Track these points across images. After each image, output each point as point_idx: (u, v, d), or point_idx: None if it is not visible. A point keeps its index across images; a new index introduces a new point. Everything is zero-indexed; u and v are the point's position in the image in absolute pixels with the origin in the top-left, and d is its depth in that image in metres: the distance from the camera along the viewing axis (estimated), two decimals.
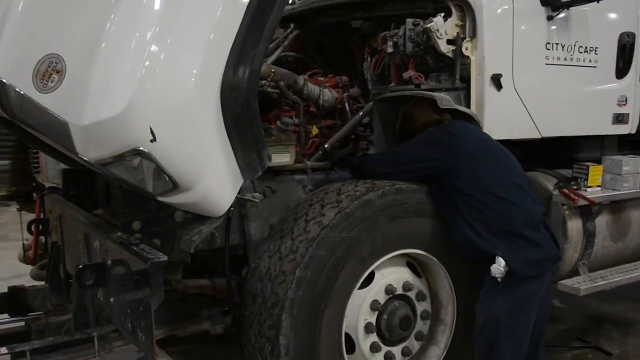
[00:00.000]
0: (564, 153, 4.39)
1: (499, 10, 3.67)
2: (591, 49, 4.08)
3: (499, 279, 3.02)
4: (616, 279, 4.06)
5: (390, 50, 3.86)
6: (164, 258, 2.66)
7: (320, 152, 3.84)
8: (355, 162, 3.44)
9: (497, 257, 3.02)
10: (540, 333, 3.27)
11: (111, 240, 3.00)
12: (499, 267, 3.00)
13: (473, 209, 3.08)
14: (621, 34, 4.20)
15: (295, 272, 2.87)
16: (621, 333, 4.92)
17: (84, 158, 2.91)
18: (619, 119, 4.30)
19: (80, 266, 3.09)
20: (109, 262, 3.04)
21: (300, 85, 3.72)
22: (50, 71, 2.79)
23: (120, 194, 3.23)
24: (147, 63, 2.57)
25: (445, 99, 3.36)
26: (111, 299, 3.05)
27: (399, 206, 3.12)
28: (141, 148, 2.63)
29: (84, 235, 3.41)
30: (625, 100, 4.31)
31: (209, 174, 2.69)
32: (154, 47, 2.58)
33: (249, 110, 2.63)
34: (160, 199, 3.00)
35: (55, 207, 3.95)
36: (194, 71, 2.59)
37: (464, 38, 3.65)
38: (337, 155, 4.00)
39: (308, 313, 2.90)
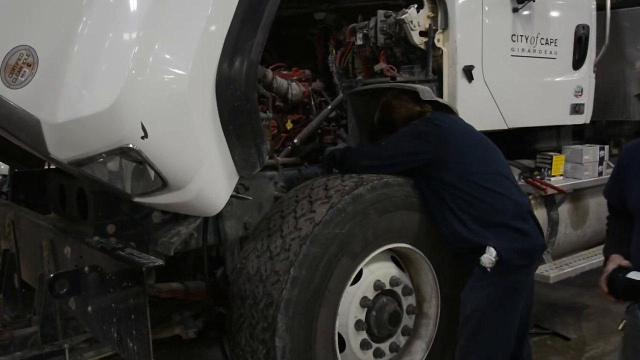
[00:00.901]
0: (522, 143, 4.48)
1: (470, 2, 3.69)
2: (551, 40, 4.17)
3: (489, 269, 3.02)
4: (581, 265, 4.18)
5: (359, 42, 3.80)
6: (160, 262, 2.49)
7: (289, 147, 3.75)
8: (338, 155, 3.36)
9: (487, 247, 3.00)
10: (525, 322, 3.29)
11: (89, 246, 2.80)
12: (489, 257, 2.97)
13: (461, 201, 3.06)
14: (577, 26, 4.32)
15: (289, 271, 2.77)
16: (575, 318, 5.08)
17: (56, 158, 2.70)
18: (576, 109, 4.42)
19: (52, 274, 2.87)
20: (86, 268, 2.84)
21: (270, 78, 3.60)
22: (20, 64, 2.58)
23: (92, 196, 3.03)
24: (137, 54, 2.40)
25: (426, 91, 3.33)
26: (89, 308, 2.85)
27: (388, 200, 3.07)
28: (131, 145, 2.45)
29: (49, 241, 3.18)
30: (581, 91, 4.44)
31: (204, 171, 2.55)
32: (144, 37, 2.41)
33: (247, 103, 2.50)
34: (138, 199, 2.83)
35: (6, 213, 3.67)
36: (188, 62, 2.44)
37: (436, 30, 3.64)
38: (305, 151, 3.91)
39: (304, 313, 2.80)
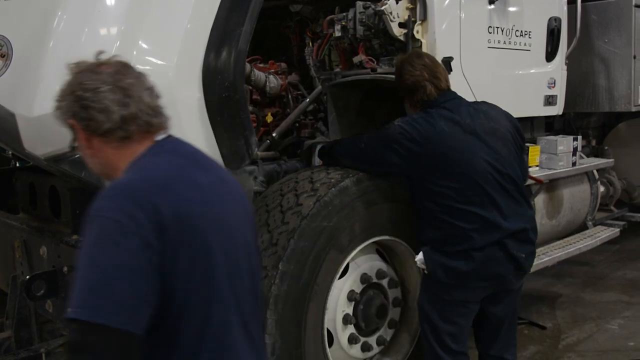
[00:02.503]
0: None
1: None
2: (526, 32, 4.18)
3: (426, 272, 2.90)
4: (557, 255, 4.22)
5: (338, 34, 3.75)
6: None
7: (268, 141, 3.67)
8: (326, 148, 3.29)
9: (421, 250, 2.90)
10: (504, 330, 3.08)
11: (68, 245, 2.70)
12: (417, 260, 2.90)
13: (437, 197, 2.85)
14: (550, 19, 4.35)
15: (278, 267, 2.71)
16: (549, 307, 5.14)
17: (32, 154, 2.59)
18: (549, 100, 4.46)
19: (29, 276, 2.77)
20: (65, 268, 2.74)
21: (248, 71, 3.52)
22: None
23: (69, 193, 2.91)
24: (119, 44, 2.31)
25: None
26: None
27: (374, 192, 3.04)
28: None
29: (22, 242, 3.06)
30: (554, 83, 4.47)
31: None
32: (127, 27, 2.33)
33: (236, 94, 2.43)
34: None
35: None
36: (174, 53, 2.37)
37: (415, 21, 3.61)
38: (283, 144, 3.85)
39: (293, 309, 2.75)
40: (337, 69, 3.91)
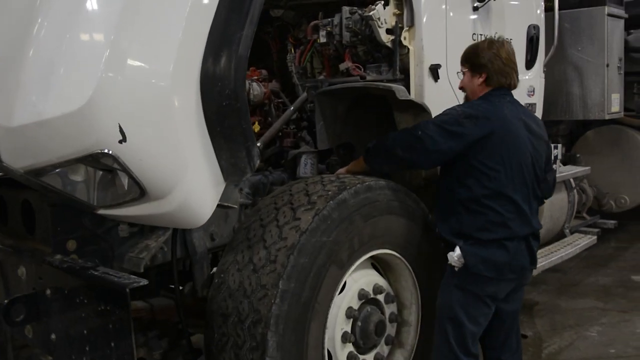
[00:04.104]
0: None
1: None
2: (507, 40, 4.15)
3: (456, 269, 2.93)
4: (542, 263, 4.21)
5: (323, 40, 3.64)
6: (144, 282, 2.23)
7: None
8: (371, 146, 3.19)
9: (456, 246, 2.92)
10: (508, 333, 3.20)
11: (52, 266, 2.49)
12: (454, 256, 2.91)
13: (485, 179, 2.90)
14: (529, 27, 4.34)
15: (278, 285, 2.56)
16: (527, 315, 5.12)
17: (9, 167, 2.39)
18: (529, 108, 4.44)
19: (8, 300, 2.55)
20: (48, 291, 2.54)
21: None
22: None
23: (49, 209, 2.70)
24: (112, 50, 2.14)
25: (402, 90, 3.22)
26: (52, 336, 2.54)
27: (372, 204, 2.93)
28: (106, 150, 2.18)
29: None
30: (533, 91, 4.46)
31: (189, 178, 2.31)
32: (120, 31, 2.15)
33: (237, 102, 2.28)
34: (104, 212, 2.55)
35: None
36: (170, 58, 2.20)
37: (402, 27, 3.53)
38: (266, 155, 3.72)
39: (295, 329, 2.61)
40: (321, 76, 3.79)
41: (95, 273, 2.35)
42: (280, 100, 3.98)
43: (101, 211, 2.54)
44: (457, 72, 3.36)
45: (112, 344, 2.26)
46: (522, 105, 3.20)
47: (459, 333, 2.96)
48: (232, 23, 2.29)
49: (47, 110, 2.19)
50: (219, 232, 3.17)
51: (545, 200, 3.42)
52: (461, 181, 2.95)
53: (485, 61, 3.03)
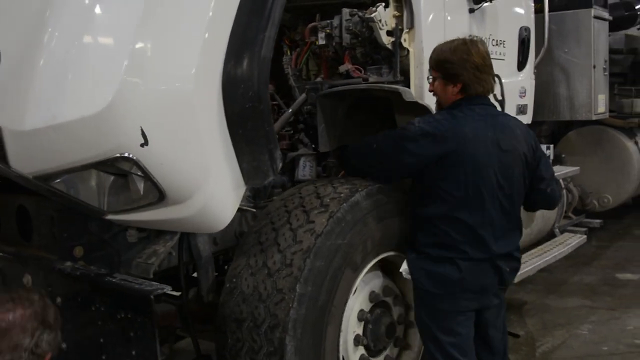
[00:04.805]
0: None
1: (433, 1, 3.61)
2: (500, 42, 4.20)
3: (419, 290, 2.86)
4: (537, 263, 4.26)
5: (322, 42, 3.61)
6: (168, 288, 2.18)
7: None
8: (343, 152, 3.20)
9: (406, 258, 2.86)
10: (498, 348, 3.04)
11: (64, 273, 2.42)
12: (402, 269, 2.86)
13: (438, 201, 2.78)
14: (521, 28, 4.38)
15: (295, 289, 2.53)
16: (517, 315, 5.16)
17: (17, 172, 2.31)
18: (521, 109, 4.49)
19: None
20: (59, 299, 2.46)
21: None
22: None
23: (55, 214, 2.63)
24: (133, 53, 2.09)
25: (408, 92, 3.21)
26: (63, 345, 2.46)
27: (383, 206, 2.92)
28: (127, 154, 2.13)
29: None
30: (525, 92, 4.51)
31: (210, 182, 2.26)
32: (142, 32, 2.11)
33: (261, 104, 2.24)
34: (113, 217, 2.49)
35: None
36: (193, 58, 2.16)
37: (402, 29, 3.53)
38: None
39: (312, 333, 2.58)
40: (319, 78, 3.77)
41: (114, 280, 2.29)
42: (275, 103, 3.94)
43: (110, 216, 2.47)
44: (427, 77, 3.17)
45: (134, 352, 2.20)
46: (498, 115, 2.97)
47: (439, 346, 2.80)
48: (254, 25, 2.26)
49: (63, 113, 2.13)
50: (221, 237, 3.12)
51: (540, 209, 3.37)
52: (419, 199, 2.85)
53: (460, 70, 2.81)
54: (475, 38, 2.98)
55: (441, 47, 2.97)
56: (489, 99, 2.97)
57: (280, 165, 2.41)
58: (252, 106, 2.23)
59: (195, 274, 3.09)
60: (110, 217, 2.48)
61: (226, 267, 3.21)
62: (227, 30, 2.24)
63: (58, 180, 2.35)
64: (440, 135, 2.74)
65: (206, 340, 3.17)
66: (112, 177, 2.40)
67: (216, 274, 3.06)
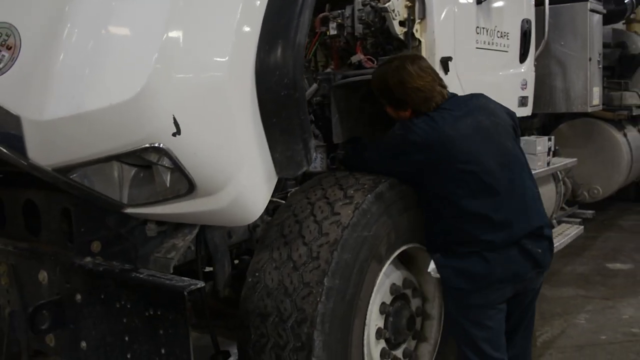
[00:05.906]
0: None
1: None
2: (504, 34, 4.20)
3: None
4: None
5: (333, 32, 3.56)
6: (201, 284, 2.11)
7: None
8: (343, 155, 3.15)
9: (432, 258, 2.86)
10: (521, 336, 3.08)
11: (85, 269, 2.34)
12: (431, 268, 2.85)
13: (444, 200, 2.80)
14: (522, 20, 4.39)
15: (322, 282, 2.48)
16: None
17: (35, 164, 2.22)
18: (522, 102, 4.50)
19: (35, 306, 2.39)
20: (79, 296, 2.38)
21: None
22: None
23: (74, 208, 2.53)
24: (165, 40, 2.02)
25: None
26: (82, 344, 2.39)
27: (406, 198, 2.88)
28: (157, 144, 2.05)
29: (8, 266, 2.65)
30: (526, 84, 4.52)
31: (243, 173, 2.20)
32: (172, 20, 2.03)
33: (296, 92, 2.18)
34: (132, 210, 2.41)
35: None
36: (227, 45, 2.09)
37: (414, 20, 3.50)
38: None
39: (340, 327, 2.54)
40: (329, 69, 3.71)
41: (141, 276, 2.21)
42: None
43: (130, 210, 2.39)
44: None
45: (163, 351, 2.13)
46: (468, 100, 2.95)
47: (470, 341, 2.81)
48: (288, 10, 2.19)
49: (88, 102, 2.04)
50: (235, 230, 3.06)
51: None
52: (426, 203, 2.87)
53: (403, 97, 2.84)
54: (407, 54, 3.08)
55: (377, 74, 3.00)
56: (451, 93, 3.00)
57: (314, 155, 2.35)
58: (287, 94, 2.18)
59: (207, 269, 3.03)
60: (129, 210, 2.39)
61: (235, 261, 3.16)
62: (260, 15, 2.18)
63: (76, 174, 2.26)
64: (424, 143, 2.74)
65: (219, 337, 3.11)
66: (133, 169, 2.33)
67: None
